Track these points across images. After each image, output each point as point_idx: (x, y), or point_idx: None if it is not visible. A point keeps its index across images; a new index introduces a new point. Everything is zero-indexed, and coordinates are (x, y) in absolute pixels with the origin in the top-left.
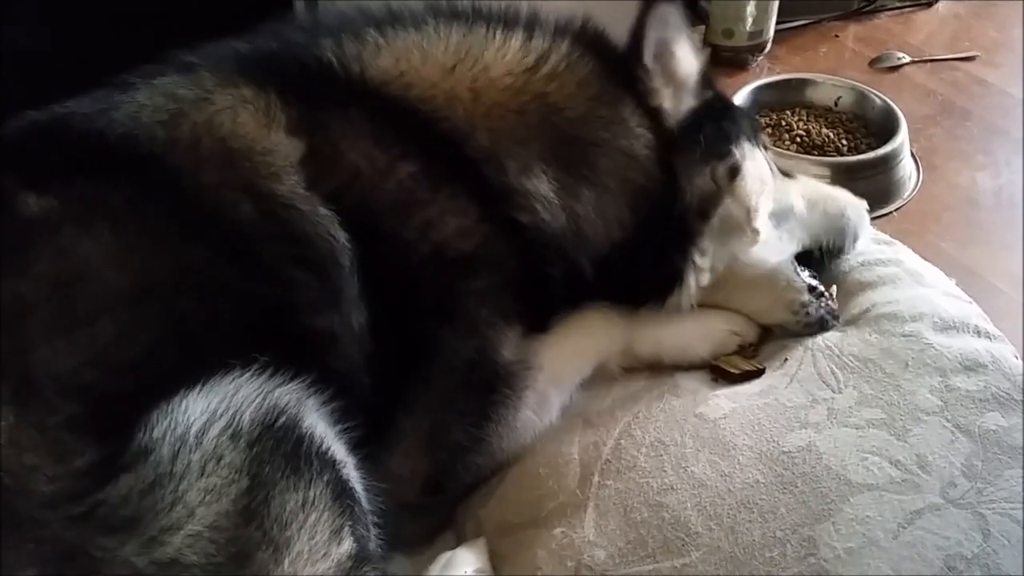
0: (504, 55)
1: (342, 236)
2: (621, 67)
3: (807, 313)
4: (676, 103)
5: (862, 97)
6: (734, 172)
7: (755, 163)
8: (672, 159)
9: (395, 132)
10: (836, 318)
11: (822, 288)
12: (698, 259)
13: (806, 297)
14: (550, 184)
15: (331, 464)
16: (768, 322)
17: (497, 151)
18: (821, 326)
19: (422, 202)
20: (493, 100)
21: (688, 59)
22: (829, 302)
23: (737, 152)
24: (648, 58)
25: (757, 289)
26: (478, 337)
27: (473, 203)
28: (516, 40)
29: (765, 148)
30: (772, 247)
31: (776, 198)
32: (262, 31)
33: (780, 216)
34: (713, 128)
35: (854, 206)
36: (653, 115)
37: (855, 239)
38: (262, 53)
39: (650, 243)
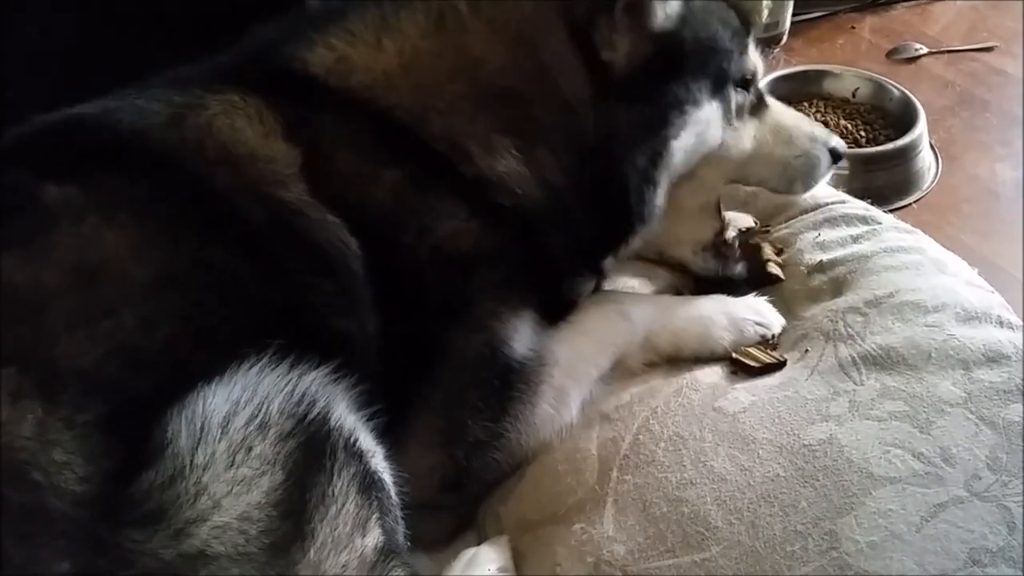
0: (415, 15)
1: (352, 242)
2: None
3: (704, 259)
4: (631, 58)
5: (880, 88)
6: (665, 149)
7: (698, 123)
8: (611, 115)
9: (371, 137)
10: (740, 275)
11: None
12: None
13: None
14: (515, 156)
15: (359, 456)
16: (673, 255)
17: (453, 135)
18: (718, 274)
19: (412, 209)
20: (423, 70)
21: (668, 12)
22: (732, 262)
23: (674, 127)
24: (619, 10)
25: (677, 221)
26: (486, 331)
27: (459, 200)
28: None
29: (742, 85)
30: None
31: (714, 145)
32: (230, 45)
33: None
34: (650, 106)
35: (807, 153)
36: (597, 66)
37: (801, 186)
38: (238, 63)
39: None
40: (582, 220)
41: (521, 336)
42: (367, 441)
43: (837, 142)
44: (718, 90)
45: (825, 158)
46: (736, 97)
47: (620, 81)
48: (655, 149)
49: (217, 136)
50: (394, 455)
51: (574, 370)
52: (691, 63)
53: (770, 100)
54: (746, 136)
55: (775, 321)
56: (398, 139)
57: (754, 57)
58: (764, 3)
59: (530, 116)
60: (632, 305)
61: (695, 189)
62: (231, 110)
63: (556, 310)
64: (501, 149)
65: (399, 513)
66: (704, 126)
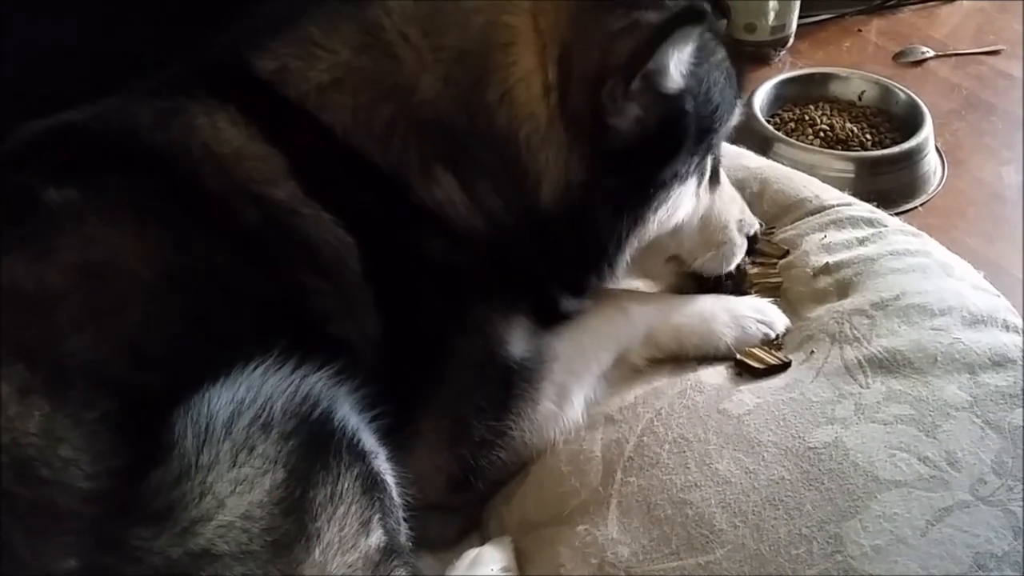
0: (351, 29)
1: (349, 239)
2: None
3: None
4: (636, 123)
5: (886, 91)
6: (643, 219)
7: (679, 197)
8: (594, 175)
9: (327, 152)
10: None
11: None
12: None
13: None
14: (453, 185)
15: (362, 456)
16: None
17: (392, 162)
18: None
19: (385, 221)
20: (353, 88)
21: (683, 70)
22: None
23: (658, 201)
24: (636, 83)
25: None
26: (482, 335)
27: (415, 220)
28: (354, 14)
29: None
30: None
31: (683, 217)
32: (196, 50)
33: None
34: (640, 179)
35: (733, 241)
36: (583, 123)
37: (717, 269)
38: (206, 70)
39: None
40: (537, 257)
41: (517, 339)
42: (370, 442)
43: (755, 229)
44: (700, 164)
45: (743, 246)
46: (708, 170)
47: (617, 148)
48: (635, 217)
49: (201, 137)
50: (400, 457)
51: (575, 366)
52: (689, 144)
53: (722, 174)
54: (701, 209)
55: (778, 320)
56: (347, 158)
57: (732, 124)
58: (771, 5)
59: (466, 151)
60: (632, 301)
61: (640, 255)
62: (212, 112)
63: (552, 317)
64: (438, 177)
65: (401, 515)
66: (682, 200)
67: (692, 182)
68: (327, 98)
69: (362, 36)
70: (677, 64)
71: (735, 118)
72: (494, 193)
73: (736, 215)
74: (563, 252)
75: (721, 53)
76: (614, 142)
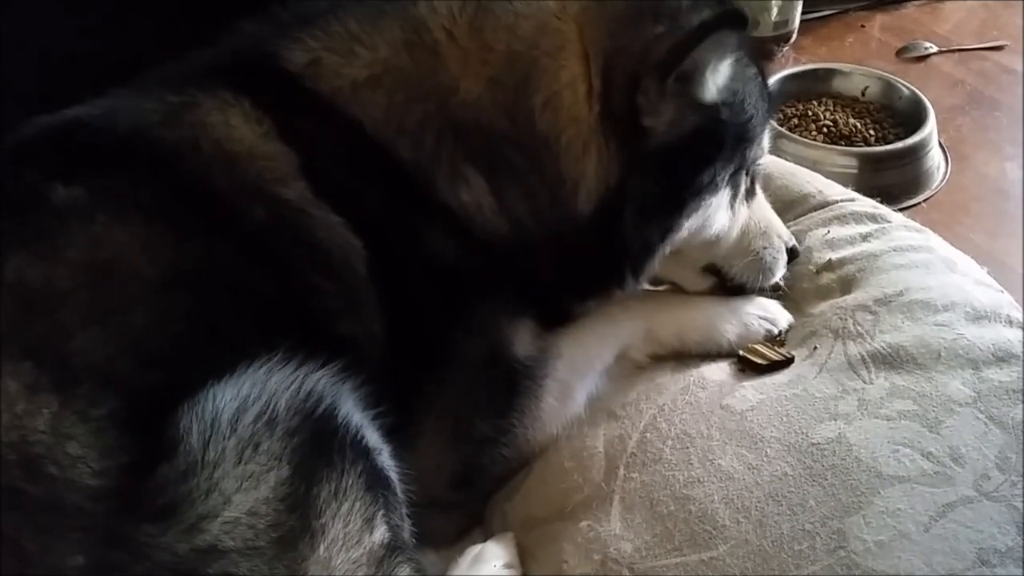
0: (392, 27)
1: (356, 242)
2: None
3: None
4: (672, 127)
5: (889, 87)
6: (675, 227)
7: (709, 207)
8: (629, 179)
9: (349, 147)
10: None
11: None
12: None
13: None
14: (482, 188)
15: (365, 452)
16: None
17: (420, 160)
18: None
19: (397, 222)
20: (390, 87)
21: (719, 83)
22: None
23: (690, 209)
24: (671, 80)
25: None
26: (487, 336)
27: (432, 221)
28: (398, 11)
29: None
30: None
31: (716, 230)
32: (216, 40)
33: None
34: (674, 185)
35: (776, 247)
36: (626, 129)
37: (763, 279)
38: (226, 61)
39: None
40: (555, 263)
41: (522, 339)
42: (373, 438)
43: (795, 243)
44: (734, 176)
45: (784, 257)
46: (743, 183)
47: (652, 151)
48: (667, 225)
49: (212, 134)
50: (403, 454)
51: (577, 364)
52: (725, 152)
53: (758, 187)
54: (739, 221)
55: (781, 317)
56: (371, 154)
57: (766, 140)
58: (773, 1)
59: (502, 154)
60: (634, 299)
61: (673, 265)
62: (225, 107)
63: (558, 318)
64: (468, 178)
65: (405, 511)
66: (714, 211)
67: (726, 193)
68: (361, 94)
69: (404, 34)
70: (713, 73)
71: (767, 132)
72: (523, 198)
73: (777, 225)
74: (586, 259)
75: (753, 69)
76: (649, 143)
